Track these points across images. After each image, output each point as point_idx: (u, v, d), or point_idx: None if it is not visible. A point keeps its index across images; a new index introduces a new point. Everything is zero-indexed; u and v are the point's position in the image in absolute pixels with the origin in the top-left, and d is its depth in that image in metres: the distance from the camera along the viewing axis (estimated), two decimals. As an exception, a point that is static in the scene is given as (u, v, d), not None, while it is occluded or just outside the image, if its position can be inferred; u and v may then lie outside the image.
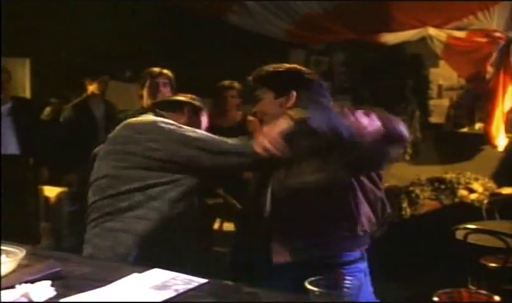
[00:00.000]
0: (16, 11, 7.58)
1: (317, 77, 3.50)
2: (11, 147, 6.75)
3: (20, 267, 2.49)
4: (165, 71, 5.58)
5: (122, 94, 8.73)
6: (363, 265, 3.26)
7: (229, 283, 2.48)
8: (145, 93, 5.55)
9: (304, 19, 7.42)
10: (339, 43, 8.02)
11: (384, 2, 7.09)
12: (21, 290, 2.22)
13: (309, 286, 2.07)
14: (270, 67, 3.43)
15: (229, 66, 8.17)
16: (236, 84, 6.46)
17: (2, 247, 2.55)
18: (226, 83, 6.52)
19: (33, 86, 8.19)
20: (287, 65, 3.48)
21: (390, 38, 7.28)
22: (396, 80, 7.26)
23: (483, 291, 2.07)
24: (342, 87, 8.51)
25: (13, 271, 2.46)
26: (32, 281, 2.30)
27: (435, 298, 2.09)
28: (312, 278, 2.11)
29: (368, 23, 7.20)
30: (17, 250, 2.57)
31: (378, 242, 6.71)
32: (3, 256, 2.53)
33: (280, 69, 3.42)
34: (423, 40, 7.26)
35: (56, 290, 2.28)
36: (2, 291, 2.16)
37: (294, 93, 3.27)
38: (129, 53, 8.28)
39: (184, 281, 2.42)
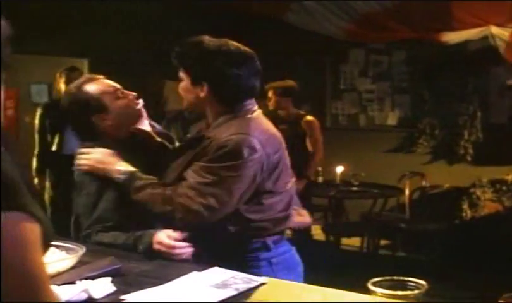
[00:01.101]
0: (73, 11, 7.66)
1: (253, 68, 2.87)
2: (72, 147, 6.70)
3: (81, 263, 2.50)
4: None
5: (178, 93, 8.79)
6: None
7: (290, 282, 2.44)
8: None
9: (365, 18, 7.35)
10: (399, 42, 7.93)
11: (445, 0, 6.99)
12: (81, 285, 2.23)
13: (372, 288, 2.04)
14: (190, 43, 2.90)
15: (287, 67, 8.16)
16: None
17: (63, 244, 2.56)
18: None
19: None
20: (216, 44, 2.85)
21: (452, 37, 7.17)
22: (457, 80, 7.13)
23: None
24: (402, 87, 8.43)
25: (73, 267, 2.47)
26: (92, 278, 2.30)
27: (501, 301, 2.05)
28: (375, 279, 2.08)
29: (429, 22, 7.09)
30: (77, 247, 2.58)
31: (440, 243, 6.65)
32: (63, 253, 2.54)
33: (199, 50, 2.85)
34: (485, 39, 7.14)
35: (116, 287, 2.28)
36: (63, 287, 2.16)
37: (206, 88, 2.83)
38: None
39: (244, 280, 2.39)
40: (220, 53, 2.79)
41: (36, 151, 6.68)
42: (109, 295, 2.24)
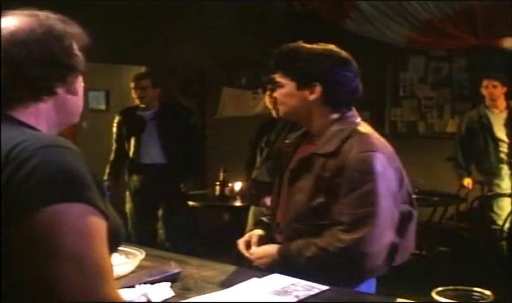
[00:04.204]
0: (130, 19, 7.73)
1: (355, 70, 2.77)
2: (156, 155, 6.45)
3: (140, 268, 2.51)
4: None
5: (238, 101, 8.81)
6: None
7: (351, 290, 2.41)
8: (267, 101, 5.57)
9: (426, 25, 7.27)
10: (460, 49, 7.82)
11: (506, 4, 6.87)
12: (141, 289, 2.23)
13: (437, 297, 2.00)
14: (292, 47, 2.82)
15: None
16: None
17: (123, 248, 2.57)
18: None
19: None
20: (319, 47, 2.78)
21: (512, 43, 7.06)
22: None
23: None
24: (463, 94, 8.32)
25: (133, 272, 2.48)
26: (152, 282, 2.30)
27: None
28: (439, 288, 2.04)
29: (490, 28, 6.99)
30: (136, 252, 2.60)
31: (498, 253, 6.56)
32: (123, 257, 2.56)
33: (304, 53, 2.77)
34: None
35: (176, 292, 2.29)
36: (123, 290, 2.17)
37: (319, 89, 2.73)
38: (245, 59, 8.34)
39: (304, 288, 2.36)
40: (328, 54, 2.74)
41: (111, 157, 6.63)
42: (167, 299, 2.24)
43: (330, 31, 7.63)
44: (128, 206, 6.53)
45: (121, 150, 6.54)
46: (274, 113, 5.55)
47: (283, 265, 2.61)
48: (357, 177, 2.54)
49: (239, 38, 8.27)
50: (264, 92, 5.61)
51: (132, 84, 6.41)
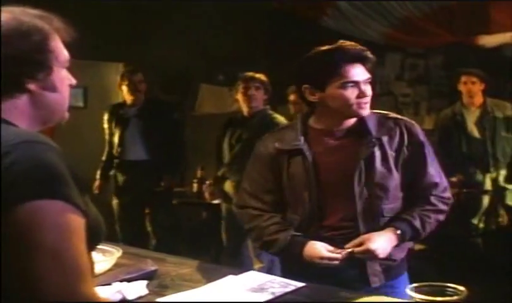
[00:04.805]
0: (108, 15, 7.70)
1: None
2: (140, 152, 6.35)
3: (117, 266, 2.52)
4: (257, 75, 5.60)
5: (215, 97, 8.81)
6: None
7: (327, 287, 2.43)
8: (239, 98, 5.60)
9: (403, 22, 7.32)
10: (436, 46, 7.87)
11: (483, 3, 6.93)
12: (117, 287, 2.24)
13: (411, 293, 2.03)
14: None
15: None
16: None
17: (99, 246, 2.57)
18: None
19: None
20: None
21: (489, 40, 7.10)
22: (495, 84, 7.04)
23: None
24: (439, 91, 8.36)
25: (110, 270, 2.48)
26: (129, 280, 2.31)
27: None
28: (415, 284, 2.06)
29: (466, 25, 7.04)
30: (113, 250, 2.60)
31: (475, 250, 6.60)
32: (100, 255, 2.56)
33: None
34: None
35: (153, 289, 2.30)
36: (99, 288, 2.18)
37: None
38: (222, 56, 8.34)
39: (281, 285, 2.39)
40: None
41: (104, 156, 6.52)
42: (142, 296, 2.25)
43: (310, 29, 7.69)
44: (114, 202, 6.48)
45: (111, 148, 6.48)
46: (245, 110, 5.60)
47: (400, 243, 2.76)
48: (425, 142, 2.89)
49: (219, 35, 8.28)
50: (235, 89, 5.65)
51: (122, 80, 6.33)
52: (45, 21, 1.64)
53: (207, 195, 6.35)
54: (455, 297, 2.07)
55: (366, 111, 2.73)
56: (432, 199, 2.83)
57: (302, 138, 2.79)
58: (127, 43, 7.80)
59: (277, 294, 2.30)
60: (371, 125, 2.77)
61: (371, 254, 2.63)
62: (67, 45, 1.69)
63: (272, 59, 8.09)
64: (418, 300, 2.02)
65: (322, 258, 2.61)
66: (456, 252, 6.75)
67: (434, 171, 2.85)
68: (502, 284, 5.38)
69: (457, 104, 6.72)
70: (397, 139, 2.78)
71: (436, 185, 2.85)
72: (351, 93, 2.68)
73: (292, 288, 2.36)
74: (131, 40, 7.82)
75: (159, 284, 2.38)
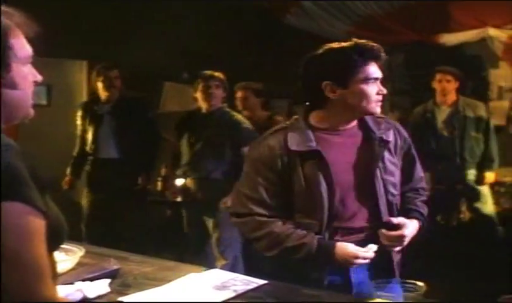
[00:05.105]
0: (72, 12, 7.65)
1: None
2: (111, 150, 6.29)
3: (80, 265, 2.52)
4: (216, 74, 5.65)
5: (180, 95, 8.79)
6: None
7: (289, 284, 2.45)
8: (199, 96, 5.64)
9: (365, 20, 7.37)
10: (399, 44, 7.92)
11: (444, 2, 7.00)
12: (78, 286, 2.25)
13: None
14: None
15: (286, 68, 8.16)
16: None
17: (63, 245, 2.56)
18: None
19: (90, 89, 8.23)
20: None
21: (450, 38, 7.17)
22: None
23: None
24: (402, 88, 8.43)
25: (73, 269, 2.48)
26: (91, 279, 2.32)
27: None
28: (379, 280, 2.09)
29: (428, 24, 7.10)
30: (76, 249, 2.60)
31: (436, 245, 6.66)
32: (63, 254, 2.55)
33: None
34: (483, 41, 7.14)
35: (115, 288, 2.30)
36: (61, 287, 2.18)
37: None
38: (185, 54, 8.32)
39: (243, 282, 2.41)
40: None
41: (75, 152, 6.42)
42: (104, 295, 2.26)
43: (278, 27, 7.73)
44: (85, 200, 6.43)
45: (85, 145, 6.43)
46: (204, 107, 5.64)
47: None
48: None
49: (184, 33, 8.26)
50: (194, 88, 5.68)
51: (98, 76, 6.28)
52: (5, 16, 1.61)
53: (169, 193, 6.35)
54: (414, 293, 2.11)
55: (379, 109, 2.77)
56: (421, 191, 2.99)
57: (314, 139, 2.72)
58: (91, 40, 7.75)
59: (239, 292, 2.31)
60: (371, 124, 2.79)
61: (400, 241, 2.70)
62: (31, 42, 1.67)
63: (234, 57, 8.12)
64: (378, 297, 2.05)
65: (357, 257, 2.59)
66: (416, 248, 6.82)
67: (419, 166, 2.99)
68: (460, 279, 5.48)
69: (429, 102, 6.72)
70: (393, 138, 2.82)
71: (422, 178, 3.02)
72: (372, 90, 2.70)
73: (255, 285, 2.38)
74: (95, 37, 7.77)
75: (122, 283, 2.39)
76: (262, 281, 2.40)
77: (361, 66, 2.70)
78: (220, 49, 8.13)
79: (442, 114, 6.66)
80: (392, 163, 2.80)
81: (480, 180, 6.58)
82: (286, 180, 2.69)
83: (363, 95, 2.69)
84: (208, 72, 5.65)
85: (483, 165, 6.56)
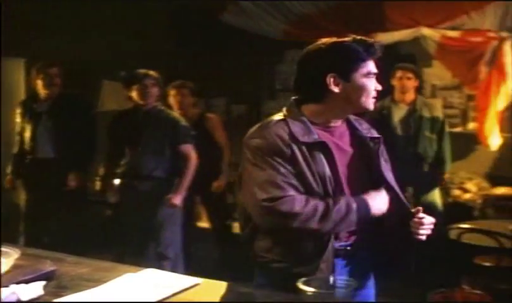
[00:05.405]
0: (11, 11, 7.56)
1: None
2: (48, 149, 6.28)
3: (16, 267, 2.50)
4: (151, 72, 5.69)
5: (118, 94, 8.75)
6: None
7: (224, 282, 2.49)
8: (134, 94, 5.65)
9: (300, 18, 7.45)
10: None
11: (379, 2, 7.11)
12: (12, 289, 2.25)
13: (302, 287, 2.08)
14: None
15: (225, 65, 8.20)
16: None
17: (-3, 248, 2.55)
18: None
19: (28, 87, 8.13)
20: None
21: (384, 37, 7.23)
22: (390, 80, 7.21)
23: (477, 291, 2.08)
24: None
25: (8, 272, 2.46)
26: (27, 281, 2.31)
27: (430, 300, 2.10)
28: (304, 278, 2.12)
29: (362, 22, 7.18)
30: (11, 251, 2.57)
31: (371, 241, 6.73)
32: (-3, 256, 2.54)
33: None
34: (417, 40, 7.26)
35: (51, 290, 2.30)
36: (-6, 291, 2.18)
37: None
38: (125, 53, 8.29)
39: (179, 281, 2.43)
40: None
41: (14, 151, 6.43)
42: (38, 297, 2.26)
43: (212, 25, 7.74)
44: (22, 200, 6.36)
45: (24, 143, 6.38)
46: (140, 105, 5.67)
47: None
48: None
49: (124, 32, 8.23)
50: (129, 86, 5.70)
51: (38, 73, 6.24)
52: None
53: (109, 193, 6.33)
54: (345, 289, 2.15)
55: (373, 106, 2.82)
56: None
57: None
58: (25, 37, 7.66)
59: (175, 290, 2.33)
60: (355, 124, 2.88)
61: (427, 227, 2.92)
62: None
63: (170, 56, 8.12)
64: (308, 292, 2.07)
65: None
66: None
67: None
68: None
69: (386, 99, 6.65)
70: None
71: None
72: (372, 84, 2.76)
73: (190, 284, 2.41)
74: (32, 34, 7.69)
75: (58, 284, 2.38)
76: (197, 280, 2.43)
77: (365, 60, 2.75)
78: (157, 48, 8.13)
79: (399, 112, 6.63)
80: (384, 159, 2.92)
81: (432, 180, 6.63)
82: (297, 170, 2.65)
83: (364, 90, 2.74)
84: (143, 71, 5.67)
85: (436, 165, 6.60)
